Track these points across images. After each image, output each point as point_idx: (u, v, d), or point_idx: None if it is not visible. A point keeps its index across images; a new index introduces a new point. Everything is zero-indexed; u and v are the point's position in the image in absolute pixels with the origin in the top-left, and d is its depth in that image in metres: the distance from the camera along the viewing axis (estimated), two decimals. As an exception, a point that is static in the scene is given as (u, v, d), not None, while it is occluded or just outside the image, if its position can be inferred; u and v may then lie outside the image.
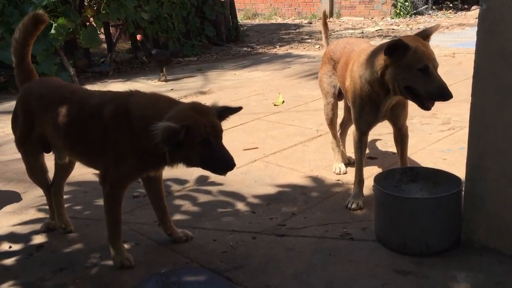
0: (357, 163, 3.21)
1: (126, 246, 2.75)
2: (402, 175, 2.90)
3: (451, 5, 16.63)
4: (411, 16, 15.10)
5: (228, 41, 11.85)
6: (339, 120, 3.85)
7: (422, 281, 2.36)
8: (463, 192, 2.60)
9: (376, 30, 12.65)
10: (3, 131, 5.40)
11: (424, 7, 15.57)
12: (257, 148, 4.41)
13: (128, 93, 2.56)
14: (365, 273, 2.45)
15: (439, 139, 4.29)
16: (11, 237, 3.03)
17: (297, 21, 16.55)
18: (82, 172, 3.70)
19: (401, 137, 3.18)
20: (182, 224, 3.05)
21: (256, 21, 17.55)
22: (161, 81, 7.83)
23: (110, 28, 10.10)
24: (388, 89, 2.85)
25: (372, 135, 3.72)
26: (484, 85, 2.38)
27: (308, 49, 10.47)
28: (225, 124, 2.42)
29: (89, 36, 8.13)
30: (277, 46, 11.18)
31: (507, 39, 2.25)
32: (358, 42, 3.41)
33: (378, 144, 4.28)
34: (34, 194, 3.59)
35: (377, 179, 2.77)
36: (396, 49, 2.68)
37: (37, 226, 3.13)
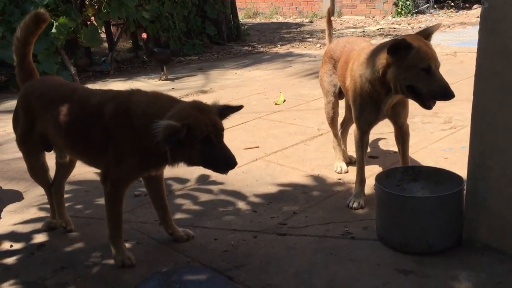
0: (358, 162, 3.20)
1: (127, 245, 2.75)
2: (404, 174, 2.90)
3: (452, 3, 16.61)
4: (412, 15, 15.08)
5: (229, 40, 11.85)
6: (340, 119, 3.85)
7: (423, 280, 2.36)
8: (464, 191, 2.59)
9: (378, 29, 12.63)
10: (4, 130, 5.40)
11: (425, 6, 15.55)
12: (258, 147, 4.41)
13: (129, 92, 2.56)
14: (366, 272, 2.45)
15: (441, 138, 4.29)
16: (12, 236, 3.03)
17: (298, 20, 16.54)
18: (83, 171, 3.70)
19: (402, 135, 3.18)
20: (183, 223, 3.05)
21: (257, 20, 17.54)
22: (162, 80, 7.83)
23: (111, 27, 10.10)
24: (389, 88, 2.84)
25: (373, 134, 3.71)
26: (486, 84, 2.38)
27: (309, 48, 10.46)
28: (226, 123, 2.42)
29: (90, 35, 8.13)
30: (278, 45, 11.18)
31: (509, 37, 2.25)
32: (358, 41, 3.41)
33: (379, 143, 4.27)
34: (35, 193, 3.60)
35: (379, 178, 2.77)
36: (399, 48, 2.67)
37: (38, 225, 3.13)
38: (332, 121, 3.73)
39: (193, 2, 10.78)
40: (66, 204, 3.14)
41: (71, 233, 3.02)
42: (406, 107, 3.13)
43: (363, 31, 12.47)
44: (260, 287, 2.38)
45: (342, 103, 3.72)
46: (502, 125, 2.36)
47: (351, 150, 3.73)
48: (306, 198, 3.34)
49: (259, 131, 4.85)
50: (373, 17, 15.47)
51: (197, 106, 2.36)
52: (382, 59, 2.78)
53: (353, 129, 3.29)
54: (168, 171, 2.78)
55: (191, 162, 2.39)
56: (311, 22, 15.92)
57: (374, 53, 2.88)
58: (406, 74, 2.70)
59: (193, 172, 3.76)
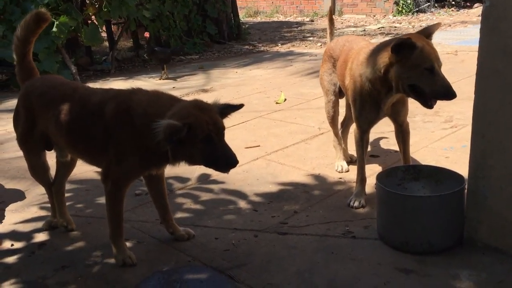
0: (359, 161, 3.20)
1: (128, 244, 2.75)
2: (405, 173, 2.89)
3: (453, 2, 16.59)
4: (413, 13, 15.07)
5: (230, 39, 11.84)
6: (340, 118, 3.84)
7: (424, 279, 2.36)
8: (465, 190, 2.59)
9: (378, 28, 12.62)
10: (5, 129, 5.40)
11: (426, 4, 15.54)
12: (259, 146, 4.41)
13: (130, 91, 2.56)
14: (367, 271, 2.45)
15: (442, 137, 4.28)
16: (13, 235, 3.03)
17: (299, 19, 16.53)
18: (84, 170, 3.70)
19: (402, 133, 3.18)
20: (184, 222, 3.05)
21: (258, 19, 17.54)
22: (162, 79, 7.83)
23: (112, 26, 10.10)
24: (389, 87, 2.84)
25: (374, 133, 3.71)
26: (487, 83, 2.37)
27: (310, 47, 10.46)
28: (226, 122, 2.41)
29: (91, 34, 8.13)
30: (279, 44, 11.17)
31: (510, 36, 2.24)
32: (357, 40, 3.41)
33: (380, 142, 4.27)
34: (36, 192, 3.60)
35: (380, 177, 2.76)
36: (403, 47, 2.67)
37: (39, 224, 3.13)
38: (333, 120, 3.73)
39: (193, 1, 10.78)
40: (67, 203, 3.13)
41: (72, 232, 3.02)
42: (406, 105, 3.13)
43: (364, 30, 12.46)
44: (261, 286, 2.38)
45: (342, 102, 3.72)
46: (503, 124, 2.35)
47: (352, 149, 3.73)
48: (307, 197, 3.34)
49: (260, 130, 4.85)
50: (374, 16, 15.46)
51: (198, 105, 2.36)
52: (385, 57, 2.77)
53: (353, 128, 3.29)
54: (169, 170, 2.78)
55: (192, 161, 2.38)
56: (312, 21, 15.91)
57: (375, 52, 2.88)
58: (410, 73, 2.70)
59: (194, 171, 3.76)
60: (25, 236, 3.01)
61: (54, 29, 7.33)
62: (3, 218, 3.26)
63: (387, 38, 10.14)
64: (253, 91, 6.60)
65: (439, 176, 2.83)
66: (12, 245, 2.92)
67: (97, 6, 8.30)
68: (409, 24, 13.07)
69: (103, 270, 2.61)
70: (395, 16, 15.03)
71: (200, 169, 3.74)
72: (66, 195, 3.15)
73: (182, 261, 2.65)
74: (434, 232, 2.54)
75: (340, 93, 3.62)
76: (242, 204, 3.30)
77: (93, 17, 8.56)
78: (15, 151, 4.08)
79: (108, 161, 2.52)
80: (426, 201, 2.57)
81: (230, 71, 8.35)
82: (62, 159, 2.95)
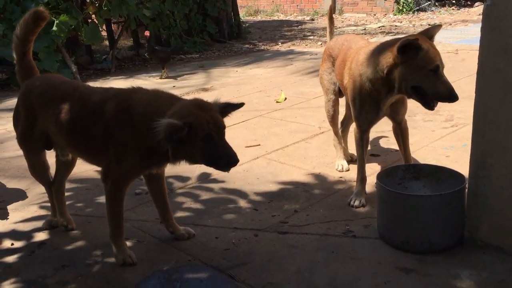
0: (359, 160, 3.20)
1: (128, 243, 2.74)
2: (405, 172, 2.89)
3: (454, 1, 16.57)
4: (413, 12, 15.06)
5: (230, 38, 11.84)
6: (340, 117, 3.84)
7: (424, 279, 2.35)
8: (466, 190, 2.59)
9: (379, 27, 12.61)
10: (5, 128, 5.40)
11: (427, 3, 15.53)
12: (259, 145, 4.40)
13: (130, 90, 2.55)
14: (367, 271, 2.44)
15: (442, 136, 4.28)
16: (13, 234, 3.03)
17: (299, 18, 16.52)
18: (84, 169, 3.70)
19: (401, 131, 3.19)
20: (184, 221, 3.05)
21: (258, 18, 17.53)
22: (162, 78, 7.82)
23: (112, 25, 10.10)
24: (390, 87, 2.83)
25: (374, 132, 3.71)
26: (488, 82, 2.37)
27: (311, 46, 10.45)
28: (227, 121, 2.41)
29: (91, 33, 8.12)
30: (279, 43, 11.16)
31: (511, 35, 2.23)
32: (355, 39, 3.40)
33: (380, 141, 4.26)
34: (36, 191, 3.59)
35: (380, 176, 2.76)
36: (408, 49, 2.66)
37: (39, 224, 3.12)
38: (333, 119, 3.73)
39: (194, 0, 10.77)
40: (67, 202, 3.13)
41: (72, 232, 3.02)
42: (405, 104, 3.14)
43: (364, 29, 12.45)
44: (261, 285, 2.38)
45: (342, 101, 3.71)
46: (504, 123, 2.35)
47: (352, 148, 3.72)
48: (307, 196, 3.33)
49: (260, 129, 4.85)
50: (374, 14, 15.45)
51: (198, 104, 2.35)
52: (388, 58, 2.76)
53: (353, 127, 3.29)
54: (169, 169, 2.78)
55: (192, 160, 2.38)
56: (312, 20, 15.91)
57: (377, 52, 2.86)
58: (414, 75, 2.69)
59: (194, 170, 3.76)
60: (25, 235, 3.01)
61: (54, 28, 7.33)
62: (4, 217, 3.26)
63: (387, 37, 10.16)
64: (253, 90, 6.60)
65: (440, 175, 2.82)
66: (12, 244, 2.92)
67: (97, 5, 8.29)
68: (410, 23, 13.05)
69: (103, 269, 2.61)
70: (395, 15, 15.02)
71: (201, 168, 3.74)
72: (66, 194, 3.15)
73: (182, 260, 2.65)
74: (434, 231, 2.54)
75: (340, 92, 3.62)
76: (242, 203, 3.30)
77: (93, 16, 8.55)
78: (15, 150, 4.07)
79: (108, 160, 2.52)
80: (427, 200, 2.56)
81: (231, 70, 8.34)
82: (63, 158, 2.95)
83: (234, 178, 3.63)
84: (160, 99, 2.44)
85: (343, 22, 14.35)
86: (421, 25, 12.53)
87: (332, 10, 3.94)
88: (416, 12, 15.08)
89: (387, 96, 2.91)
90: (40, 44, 7.01)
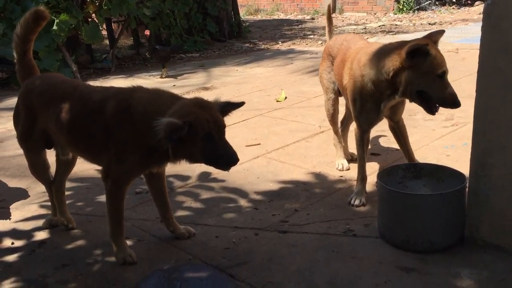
0: (360, 160, 3.20)
1: (128, 242, 2.75)
2: (406, 171, 2.89)
3: (454, 0, 16.56)
4: (414, 11, 15.05)
5: (230, 37, 11.84)
6: (340, 116, 3.84)
7: (425, 278, 2.35)
8: (467, 189, 2.59)
9: (379, 26, 12.61)
10: (5, 127, 5.40)
11: (427, 2, 15.52)
12: (259, 144, 4.40)
13: (130, 89, 2.55)
14: (368, 270, 2.44)
15: (443, 135, 4.28)
16: (14, 234, 3.03)
17: (299, 17, 16.52)
18: (85, 168, 3.70)
19: (400, 128, 3.22)
20: (185, 220, 3.05)
21: (258, 17, 17.52)
22: (162, 77, 7.82)
23: (112, 24, 10.09)
24: (394, 90, 2.82)
25: (374, 131, 3.71)
26: (488, 81, 2.37)
27: (311, 45, 10.45)
28: (227, 120, 2.41)
29: (91, 32, 8.12)
30: (280, 42, 11.16)
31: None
32: (354, 39, 3.39)
33: (380, 140, 4.26)
34: (37, 190, 3.59)
35: (380, 175, 2.76)
36: (417, 53, 2.66)
37: (40, 223, 3.12)
38: (333, 118, 3.73)
39: (194, -1, 10.78)
40: (67, 201, 3.13)
41: (72, 231, 3.02)
42: (404, 105, 3.16)
43: (365, 28, 12.44)
44: (261, 284, 2.38)
45: (342, 100, 3.71)
46: (504, 122, 2.35)
47: (352, 147, 3.72)
48: (308, 196, 3.33)
49: (261, 128, 4.85)
50: (375, 14, 15.44)
51: (199, 103, 2.35)
52: (395, 61, 2.74)
53: (353, 126, 3.28)
54: (170, 168, 2.78)
55: (192, 159, 2.38)
56: (313, 19, 15.90)
57: (382, 54, 2.84)
58: (421, 79, 2.69)
59: (195, 169, 3.76)
60: (26, 235, 3.01)
61: (55, 27, 7.33)
62: (6, 217, 3.26)
63: (387, 36, 10.16)
64: (253, 89, 6.60)
65: (440, 174, 2.82)
66: (12, 243, 2.92)
67: (97, 4, 8.29)
68: (410, 22, 13.05)
69: (103, 268, 2.61)
70: (396, 14, 15.01)
71: (201, 167, 3.74)
72: (67, 193, 3.15)
73: (182, 259, 2.65)
74: (435, 231, 2.54)
75: (339, 91, 3.61)
76: (243, 202, 3.30)
77: (93, 15, 8.54)
78: (15, 149, 4.07)
79: (108, 159, 2.52)
80: (427, 199, 2.56)
81: (231, 69, 8.34)
82: (64, 157, 2.95)
83: (234, 177, 3.63)
84: (161, 98, 2.44)
85: (343, 21, 14.35)
86: (421, 24, 12.53)
87: (330, 9, 3.93)
88: (416, 11, 15.07)
89: (389, 98, 2.90)
90: (40, 43, 7.01)
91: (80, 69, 8.38)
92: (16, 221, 3.19)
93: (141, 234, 2.94)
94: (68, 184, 3.21)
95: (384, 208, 2.69)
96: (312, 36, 11.70)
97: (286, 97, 5.94)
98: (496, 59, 2.30)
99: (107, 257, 2.70)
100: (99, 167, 2.71)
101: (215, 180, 3.66)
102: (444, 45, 8.21)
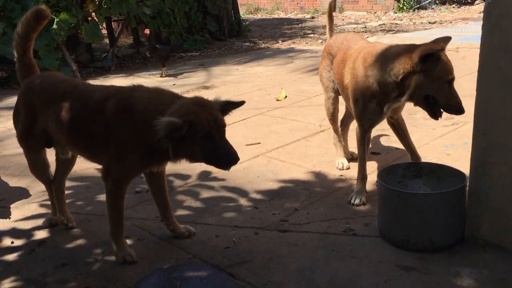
0: (360, 159, 3.19)
1: (128, 241, 2.74)
2: (406, 171, 2.89)
3: (454, -1, 16.57)
4: (414, 10, 15.05)
5: (231, 36, 11.83)
6: (340, 115, 3.83)
7: (425, 277, 2.35)
8: (467, 188, 2.58)
9: (379, 25, 12.60)
10: (5, 126, 5.40)
11: (427, 1, 15.51)
12: (259, 143, 4.40)
13: (131, 88, 2.55)
14: (368, 269, 2.44)
15: (443, 134, 4.27)
16: (13, 233, 3.03)
17: (299, 16, 16.51)
18: (85, 167, 3.70)
19: (399, 124, 3.24)
20: (185, 219, 3.04)
21: (259, 16, 17.52)
22: (163, 76, 7.81)
23: (112, 23, 10.08)
24: (400, 92, 2.81)
25: (375, 130, 3.70)
26: (489, 80, 2.36)
27: (311, 44, 10.44)
28: (227, 119, 2.40)
29: (91, 31, 8.11)
30: (280, 41, 11.15)
31: (512, 33, 2.23)
32: (354, 39, 3.38)
33: (381, 139, 4.26)
34: (37, 189, 3.59)
35: (381, 174, 2.76)
36: (430, 58, 2.66)
37: (39, 222, 3.12)
38: (333, 117, 3.72)
39: (194, -2, 10.77)
40: (67, 200, 3.13)
41: (72, 230, 3.02)
42: (404, 104, 3.15)
43: (365, 26, 12.44)
44: (261, 283, 2.38)
45: (342, 99, 3.71)
46: (504, 122, 2.34)
47: (352, 146, 3.72)
48: (308, 195, 3.33)
49: (261, 127, 4.84)
50: (375, 12, 15.44)
51: (199, 102, 2.35)
52: (406, 64, 2.73)
53: (354, 125, 3.28)
54: (170, 167, 2.78)
55: (193, 159, 2.38)
56: (313, 17, 15.89)
57: (391, 56, 2.83)
58: (431, 84, 2.70)
59: (195, 168, 3.75)
60: (25, 234, 3.01)
61: (54, 26, 7.32)
62: (6, 216, 3.26)
63: (388, 35, 10.15)
64: (253, 88, 6.59)
65: (440, 173, 2.82)
66: (12, 242, 2.92)
67: (97, 3, 8.28)
68: (410, 21, 13.04)
69: (103, 267, 2.61)
70: (396, 13, 15.01)
71: (201, 167, 3.74)
72: (67, 192, 3.15)
73: (182, 258, 2.65)
74: (435, 230, 2.54)
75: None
76: (243, 201, 3.30)
77: (93, 14, 8.54)
78: (15, 148, 4.07)
79: (108, 158, 2.51)
80: (427, 198, 2.56)
81: (231, 68, 8.34)
82: (63, 156, 2.95)
83: (234, 176, 3.63)
84: (161, 97, 2.43)
85: (343, 20, 14.34)
86: (422, 23, 12.52)
87: (331, 7, 3.92)
88: (416, 10, 15.07)
89: (394, 100, 2.89)
90: (40, 42, 7.01)
91: (80, 68, 8.37)
92: (16, 220, 3.19)
93: (141, 233, 2.94)
94: (68, 183, 3.21)
95: (384, 207, 2.68)
96: (312, 35, 11.70)
97: (286, 96, 5.94)
98: (497, 58, 2.30)
99: (107, 256, 2.70)
100: (99, 166, 2.71)
101: (215, 179, 3.66)
102: (444, 44, 8.23)
